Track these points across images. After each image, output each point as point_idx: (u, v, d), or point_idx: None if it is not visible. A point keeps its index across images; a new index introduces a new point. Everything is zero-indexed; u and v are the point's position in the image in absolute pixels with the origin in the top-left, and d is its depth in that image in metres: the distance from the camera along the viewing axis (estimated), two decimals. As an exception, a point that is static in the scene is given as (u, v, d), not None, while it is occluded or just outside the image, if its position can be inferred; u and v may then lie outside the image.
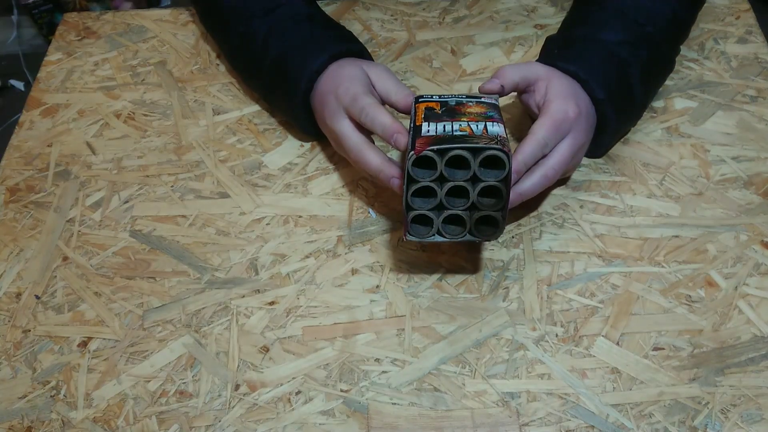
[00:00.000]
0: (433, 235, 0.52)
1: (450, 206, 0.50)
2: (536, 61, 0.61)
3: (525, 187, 0.54)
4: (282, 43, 0.63)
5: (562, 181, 0.63)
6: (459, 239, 0.52)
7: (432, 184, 0.49)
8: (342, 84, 0.58)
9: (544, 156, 0.54)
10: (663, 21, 0.61)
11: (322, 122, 0.61)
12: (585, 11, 0.64)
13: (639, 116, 0.64)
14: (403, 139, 0.52)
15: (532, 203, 0.61)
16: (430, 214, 0.51)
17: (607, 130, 0.60)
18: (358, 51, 0.63)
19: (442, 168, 0.49)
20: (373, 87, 0.59)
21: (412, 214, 0.51)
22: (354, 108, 0.56)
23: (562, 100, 0.55)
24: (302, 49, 0.62)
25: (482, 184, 0.49)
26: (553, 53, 0.61)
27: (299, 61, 0.61)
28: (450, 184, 0.49)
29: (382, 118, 0.54)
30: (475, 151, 0.48)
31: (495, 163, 0.49)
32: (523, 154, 0.53)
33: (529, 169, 0.54)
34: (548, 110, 0.55)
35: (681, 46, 0.66)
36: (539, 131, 0.54)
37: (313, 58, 0.60)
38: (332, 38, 0.63)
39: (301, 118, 0.63)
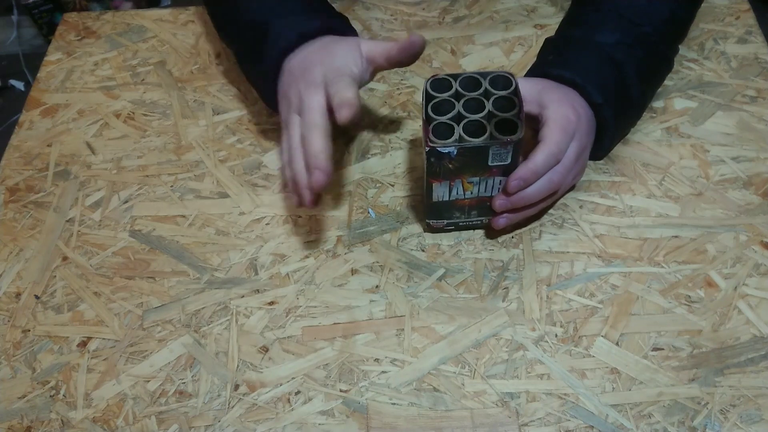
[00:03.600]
0: (455, 142, 0.51)
1: (468, 114, 0.53)
2: (530, 69, 0.62)
3: (528, 191, 0.54)
4: (276, 5, 0.62)
5: (570, 188, 0.62)
6: (481, 144, 0.51)
7: (450, 98, 0.54)
8: (335, 57, 0.56)
9: (557, 162, 0.54)
10: (660, 20, 0.61)
11: (292, 80, 0.58)
12: (581, 12, 0.64)
13: (638, 117, 0.64)
14: (347, 112, 0.51)
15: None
16: (451, 122, 0.52)
17: (607, 133, 0.60)
18: (352, 32, 0.63)
19: (456, 86, 0.54)
20: (369, 57, 0.57)
21: (434, 123, 0.52)
22: (303, 113, 0.54)
23: (559, 105, 0.55)
24: (298, 12, 0.61)
25: (495, 96, 0.53)
26: (548, 60, 0.61)
27: (284, 22, 0.60)
28: (467, 97, 0.54)
29: (316, 145, 0.52)
30: (483, 74, 0.55)
31: (505, 88, 0.54)
32: (534, 162, 0.52)
33: None
34: (550, 116, 0.54)
35: (681, 46, 0.66)
36: (551, 137, 0.53)
37: (306, 20, 0.60)
38: (330, 12, 0.63)
39: (271, 88, 0.61)
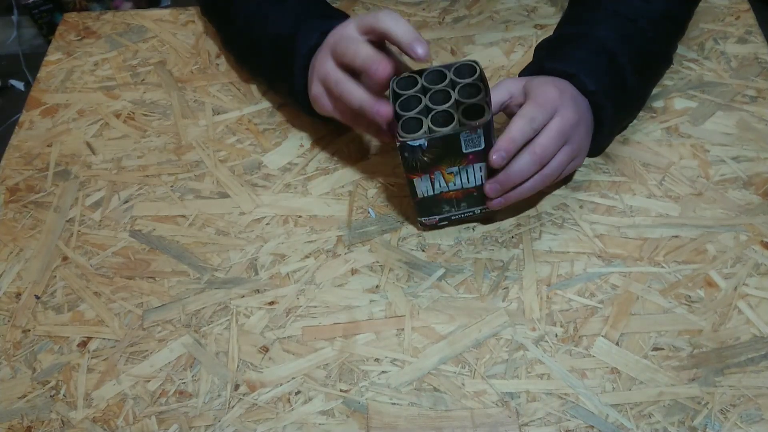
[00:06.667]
0: (424, 133, 0.51)
1: (435, 106, 0.53)
2: (525, 67, 0.62)
3: (513, 168, 0.53)
4: (291, 15, 0.63)
5: (566, 179, 0.62)
6: (450, 132, 0.51)
7: (416, 93, 0.54)
8: (337, 31, 0.57)
9: (535, 135, 0.53)
10: (655, 17, 0.61)
11: (317, 64, 0.59)
12: (576, 11, 0.65)
13: (637, 110, 0.64)
14: (385, 68, 0.51)
15: (531, 203, 0.61)
16: (419, 116, 0.53)
17: (605, 122, 0.59)
18: None
19: (422, 82, 0.54)
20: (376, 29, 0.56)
21: (402, 120, 0.53)
22: (339, 46, 0.55)
23: (539, 86, 0.55)
24: (314, 14, 0.62)
25: (460, 85, 0.54)
26: (541, 56, 0.62)
27: (309, 25, 0.61)
28: (433, 90, 0.54)
29: (364, 50, 0.53)
30: (448, 66, 0.55)
31: (470, 76, 0.54)
32: (510, 131, 0.52)
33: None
34: (528, 97, 0.55)
35: (681, 46, 0.66)
36: (523, 109, 0.54)
37: (326, 23, 0.60)
38: (344, 15, 0.64)
39: (301, 86, 0.61)
